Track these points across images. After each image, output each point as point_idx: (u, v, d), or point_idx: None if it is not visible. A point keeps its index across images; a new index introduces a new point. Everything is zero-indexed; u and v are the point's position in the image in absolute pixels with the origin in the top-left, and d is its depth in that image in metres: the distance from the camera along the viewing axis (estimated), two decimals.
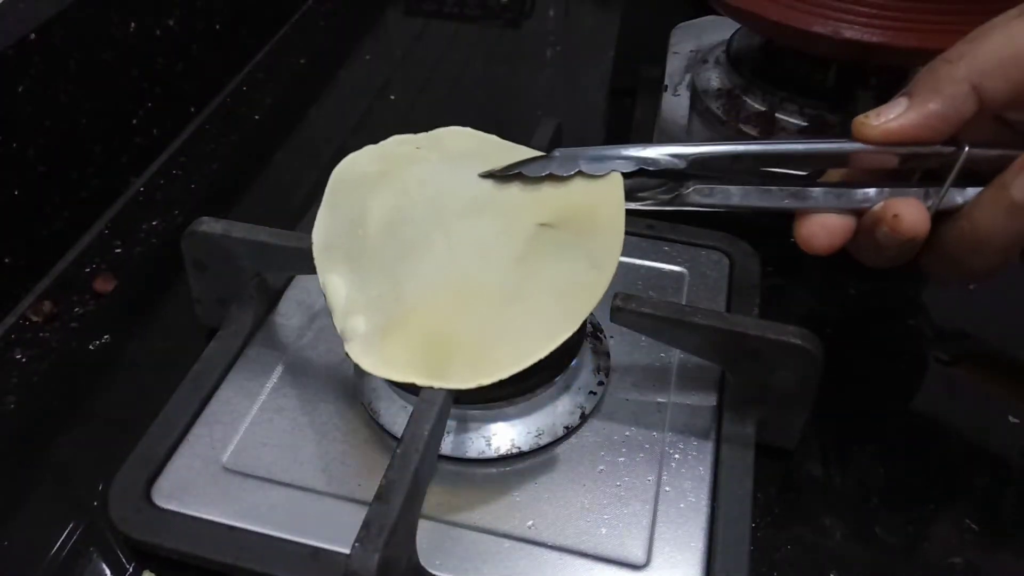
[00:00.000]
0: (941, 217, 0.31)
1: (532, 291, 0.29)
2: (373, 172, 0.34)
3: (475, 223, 0.31)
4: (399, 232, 0.32)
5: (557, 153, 0.31)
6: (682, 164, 0.30)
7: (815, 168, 0.32)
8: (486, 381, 0.28)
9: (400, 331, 0.30)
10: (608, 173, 0.31)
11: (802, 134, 0.50)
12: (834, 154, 0.31)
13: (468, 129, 0.36)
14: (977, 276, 0.32)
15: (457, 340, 0.29)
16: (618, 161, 0.31)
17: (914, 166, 0.31)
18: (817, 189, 0.31)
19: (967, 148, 0.30)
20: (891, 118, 0.29)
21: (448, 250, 0.30)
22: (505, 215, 0.31)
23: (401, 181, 0.33)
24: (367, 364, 0.29)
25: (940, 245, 0.31)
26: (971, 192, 0.30)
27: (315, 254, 0.32)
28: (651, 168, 0.30)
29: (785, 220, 0.32)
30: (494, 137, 0.36)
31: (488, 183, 0.32)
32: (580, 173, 0.31)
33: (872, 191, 0.31)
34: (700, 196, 0.31)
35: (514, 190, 0.32)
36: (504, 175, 0.32)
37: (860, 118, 0.30)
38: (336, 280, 0.32)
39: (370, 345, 0.30)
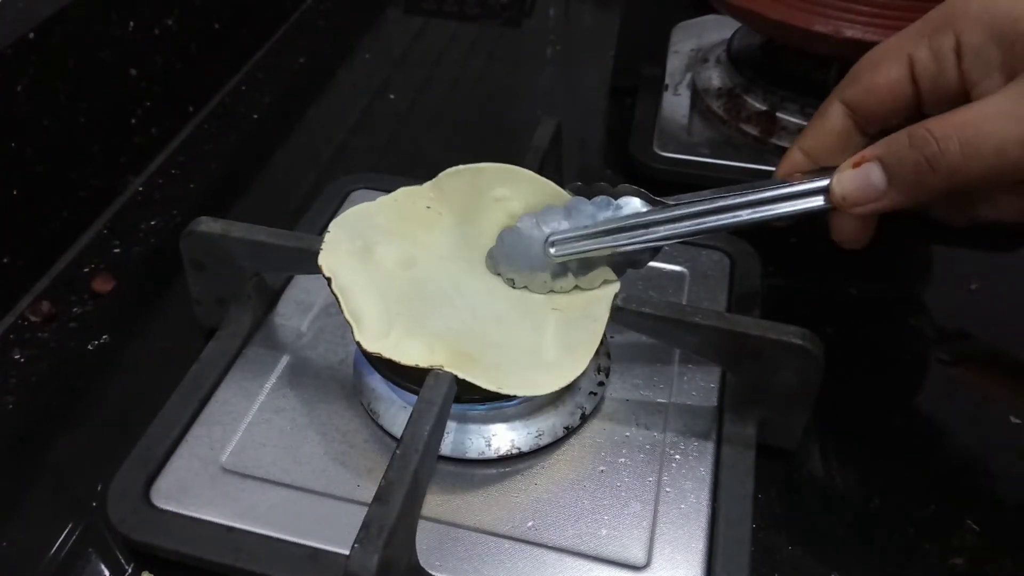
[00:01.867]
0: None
1: (545, 347, 0.32)
2: (387, 227, 0.35)
3: (496, 302, 0.33)
4: (421, 286, 0.33)
5: (552, 243, 0.34)
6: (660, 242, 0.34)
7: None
8: (506, 391, 0.29)
9: (421, 337, 0.30)
10: (600, 284, 0.34)
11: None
12: (806, 215, 0.33)
13: (462, 168, 0.36)
14: None
15: (477, 358, 0.30)
16: (605, 270, 0.34)
17: None
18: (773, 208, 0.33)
19: None
20: (866, 204, 0.31)
21: (471, 313, 0.32)
22: (523, 299, 0.34)
23: (420, 246, 0.35)
24: (393, 353, 0.30)
25: None
26: None
27: (327, 239, 0.33)
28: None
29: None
30: (488, 166, 0.36)
31: None
32: (577, 287, 0.34)
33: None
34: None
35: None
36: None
37: (838, 198, 0.31)
38: (348, 272, 0.32)
39: (388, 338, 0.30)
